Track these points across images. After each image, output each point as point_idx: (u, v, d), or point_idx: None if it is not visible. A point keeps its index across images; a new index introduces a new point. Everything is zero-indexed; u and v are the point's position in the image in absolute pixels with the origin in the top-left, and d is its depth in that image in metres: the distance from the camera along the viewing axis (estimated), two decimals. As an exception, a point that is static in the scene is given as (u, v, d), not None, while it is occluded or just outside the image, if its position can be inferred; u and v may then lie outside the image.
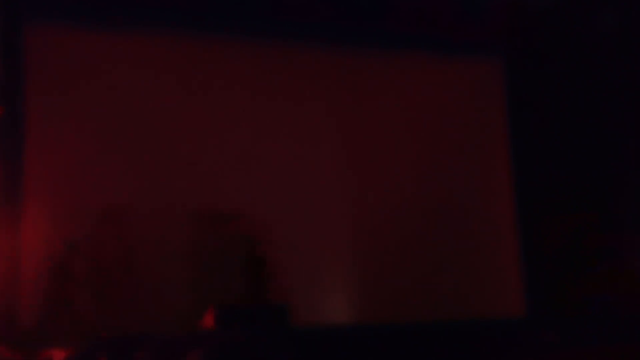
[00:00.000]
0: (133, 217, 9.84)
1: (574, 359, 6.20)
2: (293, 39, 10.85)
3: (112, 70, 10.02)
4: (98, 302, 9.33)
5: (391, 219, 11.05)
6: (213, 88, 10.49)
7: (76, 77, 9.89)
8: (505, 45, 11.55)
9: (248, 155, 10.52)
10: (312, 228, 10.71)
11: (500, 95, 11.58)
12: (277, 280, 10.31)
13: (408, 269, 11.02)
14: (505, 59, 11.56)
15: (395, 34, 11.26)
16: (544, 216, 10.44)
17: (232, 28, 10.64)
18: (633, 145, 10.26)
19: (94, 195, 9.73)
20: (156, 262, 9.79)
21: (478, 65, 11.62)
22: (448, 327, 6.42)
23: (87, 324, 9.14)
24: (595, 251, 10.02)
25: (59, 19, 9.87)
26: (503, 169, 11.45)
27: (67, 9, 9.90)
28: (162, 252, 9.85)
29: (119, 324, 9.16)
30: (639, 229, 9.92)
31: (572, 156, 10.37)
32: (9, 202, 9.24)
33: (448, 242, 11.14)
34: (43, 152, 9.59)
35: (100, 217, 9.70)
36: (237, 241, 10.21)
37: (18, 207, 9.29)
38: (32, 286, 9.15)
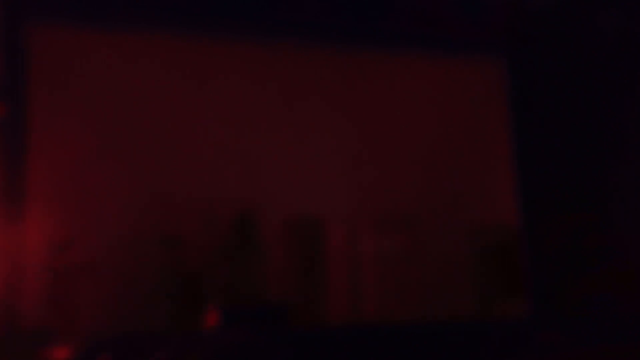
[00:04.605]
0: (134, 216, 9.83)
1: (575, 359, 6.20)
2: (295, 38, 10.84)
3: (114, 69, 10.01)
4: (100, 302, 9.32)
5: (390, 220, 11.05)
6: (215, 87, 10.48)
7: (78, 75, 9.88)
8: (506, 45, 11.57)
9: (249, 151, 10.52)
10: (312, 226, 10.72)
11: (501, 94, 11.58)
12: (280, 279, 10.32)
13: (410, 269, 11.03)
14: (506, 58, 11.58)
15: (398, 33, 11.26)
16: (544, 216, 10.45)
17: (233, 28, 10.63)
18: (633, 145, 10.26)
19: (96, 194, 9.72)
20: (158, 261, 9.78)
21: (479, 64, 11.62)
22: (448, 327, 6.42)
23: (88, 324, 9.13)
24: (595, 251, 10.00)
25: (61, 19, 9.86)
26: (504, 168, 11.45)
27: (69, 9, 9.89)
28: (164, 250, 9.84)
29: (120, 324, 9.15)
30: (639, 229, 9.92)
31: (572, 156, 10.37)
32: (11, 200, 9.24)
33: (448, 241, 11.14)
34: (46, 150, 9.58)
35: (102, 215, 9.69)
36: (243, 239, 10.20)
37: (21, 206, 9.29)
38: (34, 285, 9.14)
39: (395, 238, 11.03)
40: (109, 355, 5.92)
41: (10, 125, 9.47)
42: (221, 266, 10.06)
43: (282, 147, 10.65)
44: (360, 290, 10.78)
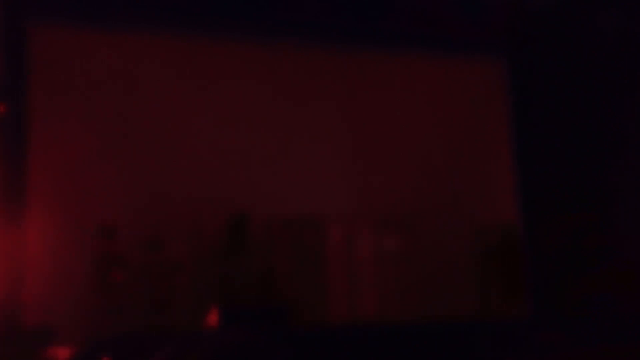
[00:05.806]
0: (135, 216, 9.84)
1: (576, 359, 6.20)
2: (295, 38, 10.85)
3: (114, 69, 10.02)
4: (101, 301, 9.33)
5: (390, 220, 11.06)
6: (215, 86, 10.48)
7: (78, 75, 9.89)
8: (506, 45, 11.57)
9: (249, 151, 10.52)
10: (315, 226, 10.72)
11: (501, 94, 11.59)
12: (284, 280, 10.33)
13: (410, 269, 11.03)
14: (506, 58, 11.59)
15: (398, 33, 11.28)
16: (545, 216, 10.44)
17: (233, 28, 10.64)
18: (633, 145, 10.25)
19: (97, 194, 9.73)
20: (158, 260, 9.79)
21: (479, 64, 11.63)
22: (448, 327, 6.43)
23: (90, 323, 9.14)
24: (595, 251, 10.00)
25: (61, 19, 9.87)
26: (504, 168, 11.45)
27: (69, 9, 9.90)
28: (164, 250, 9.85)
29: (122, 323, 9.16)
30: (639, 229, 9.91)
31: (572, 156, 10.36)
32: (12, 200, 9.25)
33: (448, 240, 11.15)
34: (46, 150, 9.59)
35: (102, 215, 9.69)
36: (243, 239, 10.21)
37: (21, 206, 9.30)
38: (35, 285, 9.15)
39: (395, 238, 11.04)
40: (109, 355, 5.92)
41: (10, 125, 9.47)
42: (220, 266, 10.07)
43: (281, 147, 10.66)
44: (360, 290, 10.78)
